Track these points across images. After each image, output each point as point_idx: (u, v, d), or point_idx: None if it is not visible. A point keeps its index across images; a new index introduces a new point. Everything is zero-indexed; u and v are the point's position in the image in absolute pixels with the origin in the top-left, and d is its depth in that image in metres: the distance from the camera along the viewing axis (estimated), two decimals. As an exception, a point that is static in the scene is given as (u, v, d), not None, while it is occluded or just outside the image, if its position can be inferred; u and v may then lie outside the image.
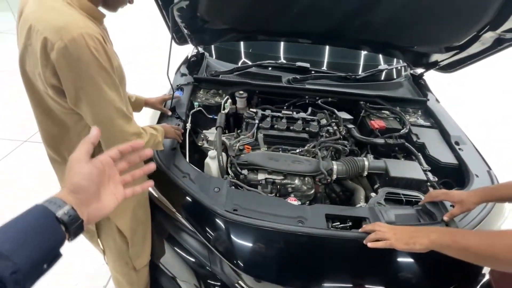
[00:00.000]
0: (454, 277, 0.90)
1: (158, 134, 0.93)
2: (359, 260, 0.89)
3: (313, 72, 1.73)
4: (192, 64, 1.74)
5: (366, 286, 0.87)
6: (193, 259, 1.02)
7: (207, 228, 0.94)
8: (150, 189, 1.12)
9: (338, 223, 0.95)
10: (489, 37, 1.26)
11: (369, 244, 0.80)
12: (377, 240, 0.80)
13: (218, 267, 0.97)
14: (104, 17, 0.76)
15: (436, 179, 1.19)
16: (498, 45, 1.26)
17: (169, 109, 1.33)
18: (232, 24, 1.48)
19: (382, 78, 1.86)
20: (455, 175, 1.24)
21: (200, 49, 1.81)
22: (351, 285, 0.86)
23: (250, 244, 0.89)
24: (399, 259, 0.88)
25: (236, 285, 0.94)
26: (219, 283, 1.00)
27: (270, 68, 1.79)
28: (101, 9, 0.76)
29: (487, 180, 1.17)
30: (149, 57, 4.38)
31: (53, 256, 0.40)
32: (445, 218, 0.92)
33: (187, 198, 0.98)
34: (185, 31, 1.47)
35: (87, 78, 0.65)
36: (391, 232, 0.79)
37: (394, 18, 1.22)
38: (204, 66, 1.75)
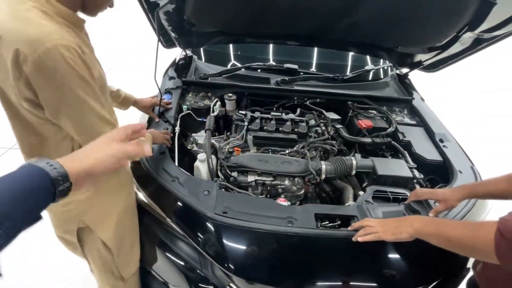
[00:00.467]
0: (440, 271, 0.92)
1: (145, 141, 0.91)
2: (348, 258, 0.90)
3: (301, 73, 1.76)
4: (180, 67, 1.74)
5: (356, 283, 0.88)
6: (184, 263, 1.01)
7: (197, 232, 0.94)
8: (140, 195, 1.10)
9: (327, 222, 0.97)
10: (468, 37, 1.30)
11: (359, 239, 0.83)
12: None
13: (209, 271, 0.97)
14: (83, 22, 0.74)
15: (422, 176, 1.22)
16: (477, 45, 1.31)
17: (158, 113, 1.33)
18: (220, 27, 1.48)
19: (369, 78, 1.90)
20: (440, 171, 1.27)
21: (189, 52, 1.81)
22: (341, 283, 0.87)
23: (240, 246, 0.89)
24: (386, 256, 0.90)
25: (227, 287, 0.94)
26: (211, 287, 1.00)
27: (259, 70, 1.80)
28: (81, 14, 0.74)
29: (470, 176, 1.20)
30: (144, 58, 4.30)
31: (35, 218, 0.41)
32: (430, 214, 0.95)
33: (177, 202, 0.98)
34: (173, 34, 1.47)
35: (65, 90, 0.63)
36: (379, 226, 0.83)
37: (378, 20, 1.25)
38: (192, 69, 1.74)
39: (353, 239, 0.84)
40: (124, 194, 0.98)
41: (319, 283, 0.87)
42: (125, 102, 1.21)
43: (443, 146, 1.36)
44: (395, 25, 1.31)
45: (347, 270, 0.89)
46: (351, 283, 0.87)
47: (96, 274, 1.09)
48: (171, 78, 1.61)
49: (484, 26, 1.16)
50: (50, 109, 0.66)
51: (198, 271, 0.98)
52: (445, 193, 0.93)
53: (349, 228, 0.90)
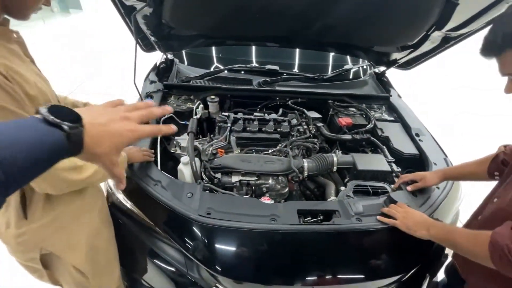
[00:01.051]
0: (418, 259, 0.96)
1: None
2: (332, 251, 0.93)
3: (283, 74, 1.79)
4: (162, 71, 1.72)
5: (340, 275, 0.91)
6: (170, 268, 1.01)
7: (181, 235, 0.94)
8: (124, 202, 1.08)
9: (310, 218, 0.99)
10: (437, 36, 1.37)
11: (378, 217, 0.96)
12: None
13: (196, 273, 0.97)
14: (10, 32, 0.65)
15: (400, 169, 1.27)
16: (445, 43, 1.39)
17: None
18: (199, 30, 1.49)
19: (349, 77, 1.95)
20: (417, 164, 1.32)
21: (170, 56, 1.80)
22: (325, 276, 0.89)
23: (225, 247, 0.90)
24: (368, 247, 0.93)
25: (214, 288, 0.94)
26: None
27: (242, 72, 1.81)
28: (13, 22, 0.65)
29: (444, 167, 1.26)
30: (123, 61, 4.24)
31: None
32: (409, 188, 1.08)
33: (160, 206, 0.97)
34: (152, 38, 1.46)
35: None
36: (402, 215, 0.93)
37: (350, 21, 1.30)
38: (174, 72, 1.73)
39: (377, 217, 0.96)
40: (92, 217, 0.94)
41: (304, 278, 0.89)
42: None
43: (419, 140, 1.42)
44: (367, 26, 1.36)
45: (330, 263, 0.92)
46: (335, 275, 0.89)
47: None
48: (152, 82, 1.60)
49: (450, 25, 1.23)
50: None
51: (185, 274, 0.98)
52: (425, 174, 1.10)
53: (380, 212, 0.99)
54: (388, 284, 0.97)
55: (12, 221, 0.77)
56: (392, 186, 1.15)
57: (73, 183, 0.72)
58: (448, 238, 0.83)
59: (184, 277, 0.99)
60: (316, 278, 0.91)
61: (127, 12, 1.18)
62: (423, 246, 0.95)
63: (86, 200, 0.89)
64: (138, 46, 1.39)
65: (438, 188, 1.13)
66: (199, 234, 0.90)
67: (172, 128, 0.48)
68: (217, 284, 0.93)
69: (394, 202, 1.04)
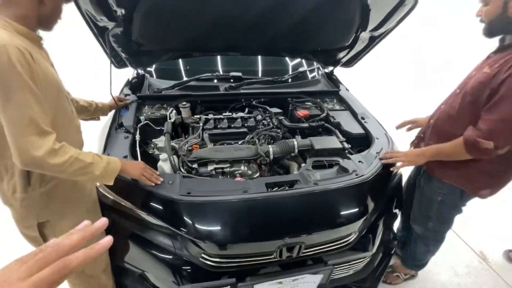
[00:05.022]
0: (364, 208, 1.17)
1: (96, 168, 0.90)
2: (295, 210, 1.10)
3: (254, 79, 2.01)
4: (134, 86, 1.86)
5: (307, 230, 1.08)
6: (159, 249, 1.12)
7: (168, 215, 1.06)
8: (107, 194, 1.17)
9: (277, 188, 1.17)
10: (365, 36, 1.69)
11: (383, 161, 1.32)
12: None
13: (183, 249, 1.09)
14: (40, 39, 0.88)
15: (350, 146, 1.51)
16: (372, 41, 1.70)
17: (117, 125, 1.43)
18: (165, 45, 1.68)
19: (305, 78, 2.23)
20: (364, 140, 1.58)
21: (140, 71, 1.95)
22: (291, 230, 1.06)
23: (206, 217, 1.04)
24: (323, 203, 1.13)
25: (200, 259, 1.07)
26: (188, 267, 1.11)
27: (215, 81, 2.00)
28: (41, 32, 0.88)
29: (384, 140, 1.52)
30: (93, 77, 4.21)
31: None
32: (381, 157, 1.36)
33: (146, 194, 1.09)
34: (123, 55, 1.61)
35: (1, 81, 0.72)
36: (403, 155, 1.31)
37: (295, 29, 1.57)
38: (146, 86, 1.88)
39: (379, 157, 1.34)
40: (83, 196, 1.06)
41: (275, 234, 1.05)
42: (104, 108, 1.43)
43: (364, 122, 1.69)
44: (309, 32, 1.65)
45: (296, 219, 1.09)
46: (300, 228, 1.07)
47: None
48: (126, 95, 1.73)
49: (371, 26, 1.54)
50: None
51: (173, 253, 1.10)
52: (407, 153, 1.36)
53: (380, 157, 1.34)
54: (347, 233, 1.16)
55: (18, 186, 0.89)
56: (382, 160, 1.33)
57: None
58: (439, 153, 1.25)
59: (170, 255, 1.10)
60: (285, 232, 1.07)
61: (99, 32, 1.33)
62: (363, 197, 1.17)
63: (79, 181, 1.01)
64: (111, 61, 1.54)
65: (379, 155, 1.38)
66: (183, 210, 1.04)
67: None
68: (202, 254, 1.06)
69: (346, 170, 1.27)
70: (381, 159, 1.34)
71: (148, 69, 2.07)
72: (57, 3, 0.89)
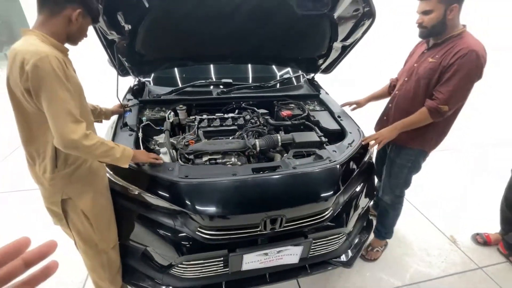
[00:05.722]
0: (335, 186, 1.38)
1: (115, 152, 1.10)
2: (277, 190, 1.31)
3: (243, 85, 2.24)
4: (136, 92, 2.08)
5: (289, 206, 1.27)
6: (162, 228, 1.30)
7: (169, 195, 1.25)
8: (115, 180, 1.35)
9: (261, 172, 1.37)
10: (338, 46, 1.96)
11: (363, 142, 1.62)
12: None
13: (182, 225, 1.27)
14: (67, 50, 1.09)
15: (327, 139, 1.74)
16: (344, 50, 1.97)
17: (122, 123, 1.63)
18: (164, 56, 1.91)
19: (289, 84, 2.48)
20: (339, 135, 1.81)
21: (141, 79, 2.17)
22: (274, 205, 1.26)
23: (201, 196, 1.23)
24: (301, 184, 1.34)
25: (197, 232, 1.26)
26: (186, 241, 1.29)
27: (211, 87, 2.23)
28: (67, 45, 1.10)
29: (357, 134, 1.76)
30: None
31: None
32: (364, 141, 1.64)
33: (151, 178, 1.28)
34: (126, 64, 1.84)
35: (45, 82, 0.91)
36: (377, 136, 1.61)
37: (278, 40, 1.82)
38: (146, 92, 2.10)
39: (362, 141, 1.63)
40: (98, 178, 1.25)
41: (260, 208, 1.25)
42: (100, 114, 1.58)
43: (341, 120, 1.93)
44: (290, 43, 1.90)
45: (278, 197, 1.29)
46: (281, 204, 1.26)
47: (80, 248, 1.29)
48: (129, 100, 1.94)
49: (341, 37, 1.81)
50: (34, 93, 0.93)
51: (174, 229, 1.28)
52: (381, 132, 1.66)
53: (362, 141, 1.62)
54: (323, 209, 1.37)
55: (48, 168, 1.09)
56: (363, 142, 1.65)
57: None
58: (408, 123, 1.56)
59: (171, 230, 1.28)
60: (267, 206, 1.26)
61: (108, 45, 1.56)
62: (335, 179, 1.38)
63: (95, 164, 1.20)
64: (116, 70, 1.77)
65: (350, 145, 1.61)
66: (182, 190, 1.23)
67: None
68: (198, 228, 1.25)
69: (321, 157, 1.48)
70: (362, 142, 1.63)
71: (147, 77, 2.30)
72: (83, 25, 1.10)
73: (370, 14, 1.57)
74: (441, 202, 2.56)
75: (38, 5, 1.02)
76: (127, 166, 1.18)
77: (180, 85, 2.24)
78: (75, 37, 1.11)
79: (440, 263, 1.97)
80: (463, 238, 2.17)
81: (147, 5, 1.37)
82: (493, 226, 2.13)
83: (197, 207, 1.21)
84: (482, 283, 1.82)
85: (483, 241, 2.11)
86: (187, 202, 1.22)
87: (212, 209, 1.21)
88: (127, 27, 1.45)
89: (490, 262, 1.97)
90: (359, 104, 2.02)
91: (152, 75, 2.31)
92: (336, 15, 1.66)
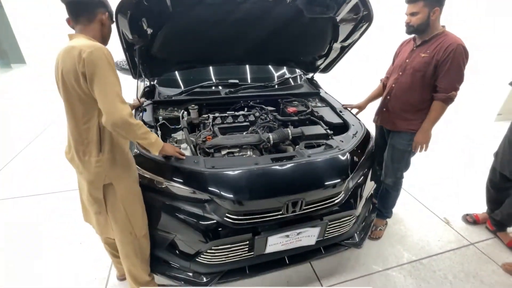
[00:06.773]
0: (345, 172, 1.52)
1: (152, 136, 1.23)
2: (296, 177, 1.43)
3: (249, 85, 2.37)
4: (147, 93, 2.16)
5: (300, 189, 1.40)
6: (190, 215, 1.39)
7: (198, 184, 1.35)
8: (143, 174, 1.43)
9: (280, 161, 1.50)
10: (337, 46, 2.13)
11: (417, 151, 1.87)
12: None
13: (210, 211, 1.37)
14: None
15: (332, 132, 1.89)
16: (342, 50, 2.14)
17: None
18: (177, 58, 2.01)
19: (291, 83, 2.63)
20: (342, 128, 1.97)
21: (152, 82, 2.25)
22: (292, 189, 1.38)
23: (228, 183, 1.34)
24: (316, 170, 1.47)
25: (225, 218, 1.36)
26: (213, 227, 1.39)
27: (215, 88, 2.34)
28: None
29: (358, 126, 1.92)
30: None
31: None
32: (413, 151, 1.88)
33: (180, 170, 1.37)
34: (141, 66, 1.92)
35: (99, 67, 1.04)
36: (419, 143, 1.81)
37: (281, 42, 1.97)
38: (156, 93, 2.18)
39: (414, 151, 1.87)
40: (133, 166, 1.34)
41: (282, 192, 1.37)
42: None
43: (342, 114, 2.09)
44: (293, 44, 2.06)
45: (297, 183, 1.42)
46: (298, 189, 1.39)
47: (117, 236, 1.36)
48: (144, 101, 2.02)
49: (340, 38, 1.98)
50: (89, 77, 1.04)
51: (203, 216, 1.37)
52: (418, 140, 1.85)
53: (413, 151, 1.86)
54: (336, 192, 1.50)
55: (93, 152, 1.18)
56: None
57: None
58: (432, 121, 1.75)
59: (200, 218, 1.38)
60: (289, 191, 1.38)
61: (128, 48, 1.65)
62: (345, 165, 1.53)
63: (130, 154, 1.32)
64: (131, 72, 1.85)
65: (355, 136, 1.76)
66: (211, 180, 1.33)
67: None
68: (226, 214, 1.35)
69: (331, 146, 1.63)
70: (414, 151, 1.88)
71: (156, 81, 2.38)
72: (110, 25, 1.26)
73: (368, 18, 1.75)
74: (434, 188, 2.78)
75: (73, 17, 1.15)
76: (157, 154, 1.30)
77: (183, 87, 2.34)
78: (107, 37, 1.26)
79: (436, 241, 2.15)
80: (455, 219, 2.38)
81: (170, 10, 1.48)
82: (480, 207, 2.35)
83: (228, 194, 1.31)
84: (474, 256, 2.02)
85: (472, 220, 2.33)
86: (217, 190, 1.32)
87: (241, 195, 1.32)
88: (149, 31, 1.55)
89: (480, 238, 2.18)
90: (360, 108, 2.18)
91: (160, 77, 2.40)
92: (338, 18, 1.83)
